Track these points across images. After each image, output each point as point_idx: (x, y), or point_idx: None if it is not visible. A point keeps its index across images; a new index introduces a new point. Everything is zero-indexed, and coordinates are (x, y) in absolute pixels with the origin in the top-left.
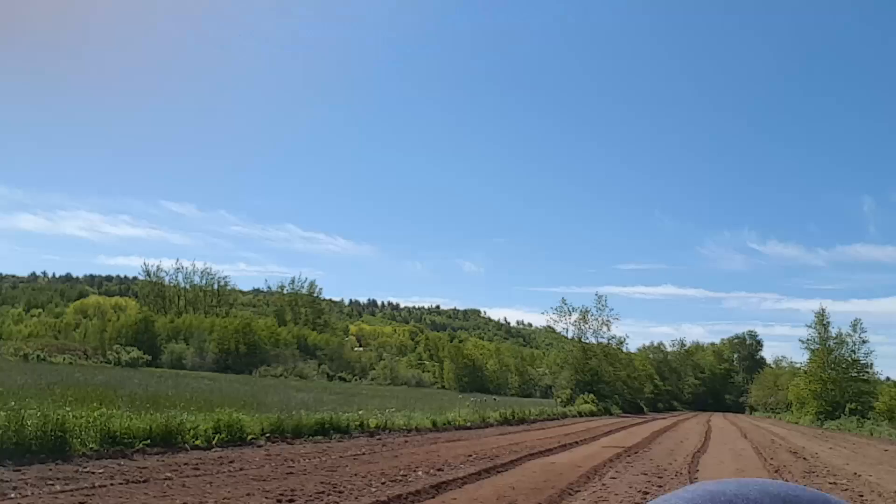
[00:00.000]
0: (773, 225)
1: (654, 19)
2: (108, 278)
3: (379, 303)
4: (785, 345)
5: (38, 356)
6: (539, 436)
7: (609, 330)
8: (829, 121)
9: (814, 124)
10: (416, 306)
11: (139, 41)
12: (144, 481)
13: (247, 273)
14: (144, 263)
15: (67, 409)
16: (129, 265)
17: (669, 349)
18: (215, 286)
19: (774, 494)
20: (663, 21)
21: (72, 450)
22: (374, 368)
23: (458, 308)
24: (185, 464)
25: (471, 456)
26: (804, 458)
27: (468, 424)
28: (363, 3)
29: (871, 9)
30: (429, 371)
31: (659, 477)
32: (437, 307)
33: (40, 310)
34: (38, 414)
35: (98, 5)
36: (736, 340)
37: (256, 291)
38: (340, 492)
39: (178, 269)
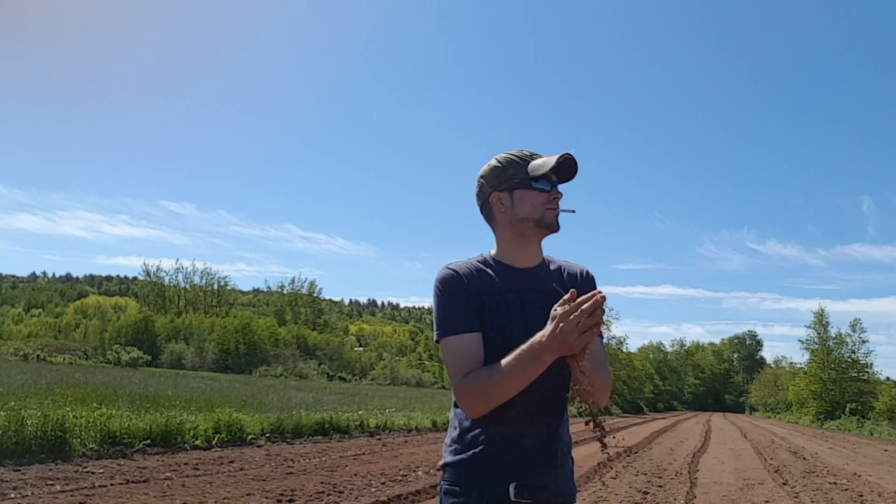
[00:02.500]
0: (772, 225)
1: (651, 20)
2: (108, 278)
3: (379, 303)
4: (785, 345)
5: (38, 356)
6: None
7: (609, 330)
8: (828, 121)
9: (813, 125)
10: (416, 306)
11: (139, 41)
12: (144, 481)
13: (246, 273)
14: (144, 263)
15: (67, 409)
16: (128, 265)
17: (669, 349)
18: (215, 286)
19: None
20: (661, 21)
21: (72, 450)
22: (374, 368)
23: None
24: (185, 464)
25: None
26: (804, 458)
27: None
28: (363, 4)
29: (869, 11)
30: (429, 371)
31: (659, 477)
32: None
33: (40, 310)
34: (38, 414)
35: (98, 5)
36: (736, 340)
37: (256, 291)
38: (340, 492)
39: (177, 269)
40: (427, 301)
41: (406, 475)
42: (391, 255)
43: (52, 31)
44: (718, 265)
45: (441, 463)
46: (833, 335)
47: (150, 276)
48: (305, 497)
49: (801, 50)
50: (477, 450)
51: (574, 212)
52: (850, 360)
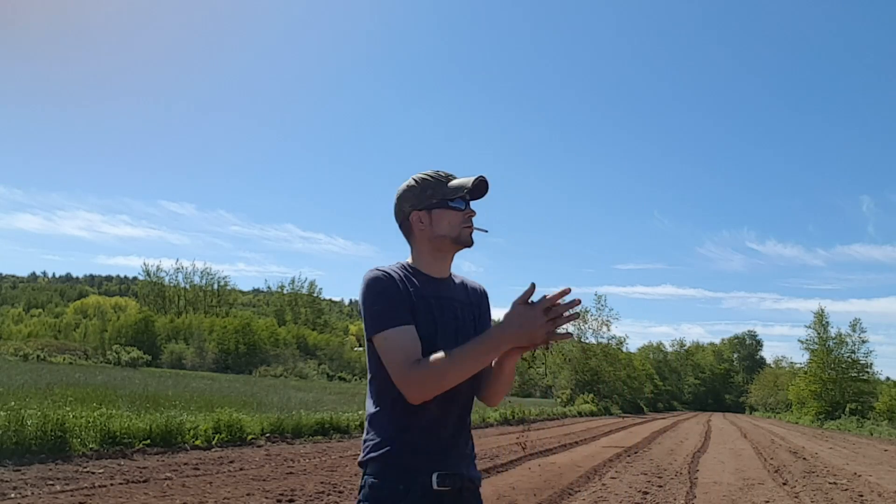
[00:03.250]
0: (772, 225)
1: (651, 19)
2: (108, 278)
3: None
4: (785, 345)
5: (38, 356)
6: (539, 436)
7: (609, 330)
8: (828, 121)
9: (813, 125)
10: None
11: (138, 41)
12: (144, 481)
13: (246, 273)
14: (144, 263)
15: (67, 409)
16: (128, 265)
17: (669, 349)
18: (215, 286)
19: None
20: (660, 21)
21: (72, 450)
22: None
23: None
24: (185, 464)
25: None
26: (804, 458)
27: None
28: (363, 4)
29: (869, 11)
30: None
31: (659, 477)
32: None
33: (40, 310)
34: (38, 414)
35: (98, 5)
36: (736, 340)
37: (256, 291)
38: (340, 492)
39: (177, 269)
40: None
41: None
42: (391, 255)
43: (52, 31)
44: (718, 265)
45: (362, 459)
46: (833, 335)
47: (150, 276)
48: (305, 497)
49: (802, 50)
50: (400, 441)
51: (487, 231)
52: (850, 360)
